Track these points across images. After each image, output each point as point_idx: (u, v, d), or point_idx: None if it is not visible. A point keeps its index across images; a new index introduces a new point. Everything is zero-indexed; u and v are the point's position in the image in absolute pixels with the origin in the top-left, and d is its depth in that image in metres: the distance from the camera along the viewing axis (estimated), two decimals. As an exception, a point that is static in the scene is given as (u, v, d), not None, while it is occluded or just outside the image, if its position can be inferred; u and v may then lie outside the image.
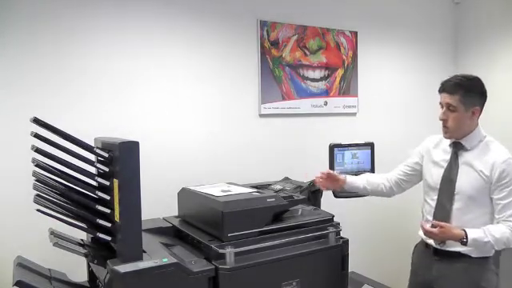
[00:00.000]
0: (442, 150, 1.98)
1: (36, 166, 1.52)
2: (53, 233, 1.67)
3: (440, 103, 1.91)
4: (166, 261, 1.59)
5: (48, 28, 2.23)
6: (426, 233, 1.82)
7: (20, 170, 1.85)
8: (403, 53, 3.61)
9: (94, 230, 1.62)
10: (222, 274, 1.67)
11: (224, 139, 2.78)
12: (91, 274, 1.90)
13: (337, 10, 3.22)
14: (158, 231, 2.02)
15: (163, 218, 2.18)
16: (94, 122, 2.31)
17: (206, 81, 2.71)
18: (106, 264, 1.57)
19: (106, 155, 1.63)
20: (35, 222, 1.74)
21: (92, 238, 1.76)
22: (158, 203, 2.22)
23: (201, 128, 2.71)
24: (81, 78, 2.33)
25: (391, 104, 3.54)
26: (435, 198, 1.94)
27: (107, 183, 1.62)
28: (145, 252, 1.64)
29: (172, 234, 2.05)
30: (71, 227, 1.60)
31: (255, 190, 2.08)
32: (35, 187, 1.57)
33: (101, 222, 1.60)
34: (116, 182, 1.57)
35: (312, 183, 2.29)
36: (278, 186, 2.34)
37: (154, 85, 2.54)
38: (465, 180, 1.86)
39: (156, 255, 1.63)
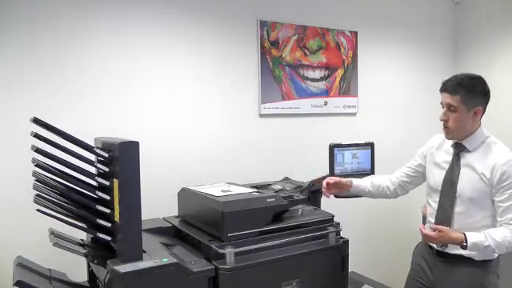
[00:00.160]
0: (444, 151, 1.95)
1: (36, 165, 1.52)
2: (53, 233, 1.67)
3: (441, 103, 1.88)
4: (166, 261, 1.59)
5: (48, 28, 2.23)
6: (425, 236, 1.80)
7: (20, 170, 1.85)
8: (403, 53, 3.61)
9: (94, 229, 1.62)
10: (222, 273, 1.67)
11: (224, 139, 2.78)
12: (91, 273, 1.90)
13: (337, 9, 3.22)
14: (157, 231, 2.02)
15: (163, 218, 2.18)
16: (94, 122, 2.31)
17: (206, 81, 2.71)
18: (106, 264, 1.57)
19: (106, 155, 1.63)
20: (35, 222, 1.74)
21: (92, 238, 1.76)
22: (157, 203, 2.22)
23: (201, 128, 2.71)
24: (81, 77, 2.33)
25: (391, 104, 3.54)
26: (437, 200, 1.92)
27: (107, 183, 1.62)
28: (145, 252, 1.64)
29: (172, 233, 2.05)
30: (71, 227, 1.60)
31: (255, 189, 2.08)
32: (35, 187, 1.57)
33: (101, 221, 1.60)
34: (116, 182, 1.57)
35: (312, 183, 2.29)
36: (278, 186, 2.33)
37: (153, 85, 2.54)
38: (466, 182, 1.82)
39: (156, 255, 1.63)
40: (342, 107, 3.27)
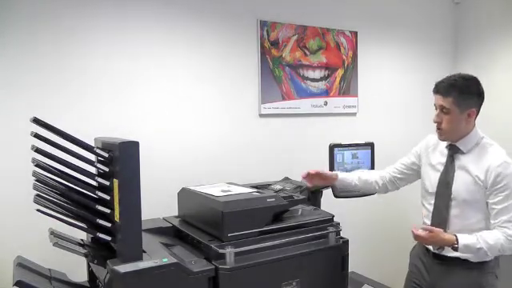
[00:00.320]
0: (439, 153, 1.93)
1: (36, 165, 1.52)
2: (53, 233, 1.66)
3: (434, 105, 1.85)
4: (166, 261, 1.58)
5: (48, 28, 2.23)
6: (416, 237, 1.78)
7: (20, 170, 1.85)
8: (403, 53, 3.61)
9: (94, 230, 1.62)
10: (222, 273, 1.67)
11: (224, 139, 2.78)
12: (91, 274, 1.90)
13: (337, 9, 3.22)
14: (158, 231, 2.01)
15: (163, 218, 2.18)
16: (94, 122, 2.31)
17: (206, 81, 2.71)
18: (106, 264, 1.57)
19: (106, 155, 1.63)
20: (35, 222, 1.73)
21: (92, 238, 1.76)
22: (158, 203, 2.22)
23: (201, 128, 2.71)
24: (81, 77, 2.33)
25: (391, 104, 3.54)
26: (432, 202, 1.90)
27: (107, 183, 1.62)
28: (145, 252, 1.64)
29: (172, 234, 2.05)
30: (71, 227, 1.60)
31: (255, 189, 2.08)
32: (35, 187, 1.57)
33: (101, 222, 1.60)
34: (116, 182, 1.57)
35: (312, 183, 2.29)
36: (278, 186, 2.33)
37: (154, 85, 2.54)
38: (461, 185, 1.80)
39: (156, 255, 1.63)
40: (342, 107, 3.27)
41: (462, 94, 1.77)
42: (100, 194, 1.63)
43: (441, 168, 1.89)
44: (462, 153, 1.84)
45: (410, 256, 2.12)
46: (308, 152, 3.05)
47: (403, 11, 3.57)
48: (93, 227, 1.63)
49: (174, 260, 1.60)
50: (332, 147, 2.38)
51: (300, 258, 1.86)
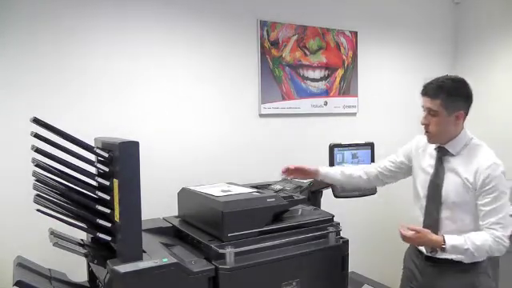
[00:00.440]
0: (428, 155, 1.92)
1: (36, 165, 1.52)
2: (53, 233, 1.67)
3: (422, 106, 1.83)
4: (166, 261, 1.58)
5: (48, 28, 2.23)
6: (403, 238, 1.77)
7: (20, 170, 1.85)
8: (403, 53, 3.61)
9: (94, 230, 1.62)
10: (222, 274, 1.67)
11: (224, 139, 2.78)
12: (91, 274, 1.90)
13: (337, 9, 3.22)
14: (158, 231, 2.01)
15: (163, 218, 2.18)
16: (94, 122, 2.31)
17: (206, 81, 2.71)
18: (106, 264, 1.57)
19: (106, 155, 1.63)
20: (35, 222, 1.73)
21: (92, 238, 1.76)
22: (158, 203, 2.22)
23: (201, 128, 2.71)
24: (81, 77, 2.33)
25: (391, 104, 3.54)
26: (424, 204, 1.90)
27: (107, 183, 1.62)
28: (145, 252, 1.64)
29: (172, 234, 2.05)
30: (71, 227, 1.60)
31: (255, 189, 2.08)
32: (35, 187, 1.57)
33: (101, 222, 1.60)
34: (116, 182, 1.57)
35: (312, 183, 2.29)
36: (278, 186, 2.33)
37: (153, 85, 2.54)
38: (451, 186, 1.79)
39: (156, 255, 1.63)
40: (342, 107, 3.27)
41: (450, 97, 1.75)
42: (100, 194, 1.63)
43: (431, 170, 1.88)
44: (452, 155, 1.82)
45: (404, 257, 2.11)
46: (308, 152, 3.04)
47: (403, 11, 3.57)
48: (93, 227, 1.63)
49: (174, 260, 1.61)
50: (332, 147, 2.39)
51: (300, 258, 1.86)
